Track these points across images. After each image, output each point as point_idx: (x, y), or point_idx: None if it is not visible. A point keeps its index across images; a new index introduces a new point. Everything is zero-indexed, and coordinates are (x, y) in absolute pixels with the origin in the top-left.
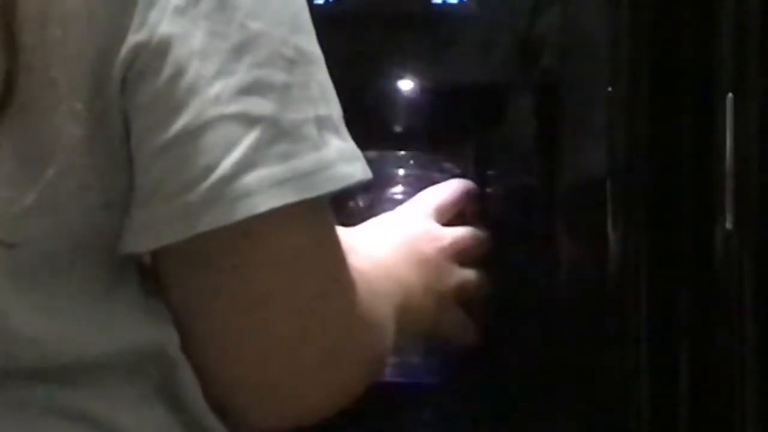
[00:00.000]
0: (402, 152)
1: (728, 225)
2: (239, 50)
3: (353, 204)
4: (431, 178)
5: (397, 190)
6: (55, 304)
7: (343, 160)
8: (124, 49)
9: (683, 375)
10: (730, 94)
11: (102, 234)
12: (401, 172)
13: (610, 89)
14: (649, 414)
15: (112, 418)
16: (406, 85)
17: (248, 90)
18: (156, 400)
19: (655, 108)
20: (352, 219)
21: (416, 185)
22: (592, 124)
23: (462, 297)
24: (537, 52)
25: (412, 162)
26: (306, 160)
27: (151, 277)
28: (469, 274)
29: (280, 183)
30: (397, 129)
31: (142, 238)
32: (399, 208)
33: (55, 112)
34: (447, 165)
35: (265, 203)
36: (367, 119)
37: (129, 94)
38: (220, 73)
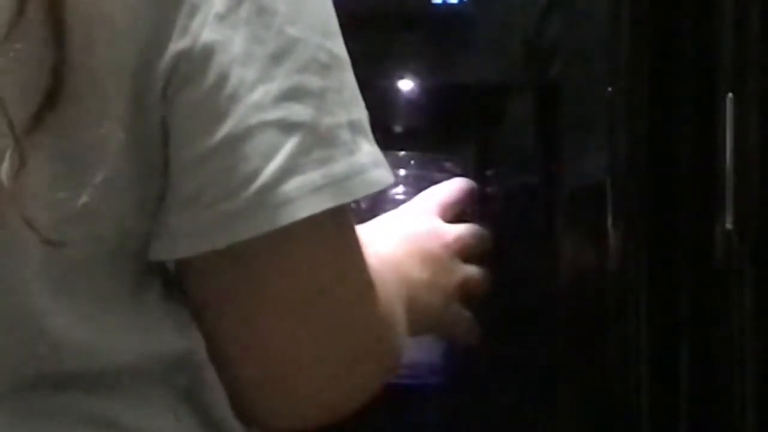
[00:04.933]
0: (403, 152)
1: (728, 225)
2: (278, 56)
3: (355, 205)
4: (432, 178)
5: (399, 190)
6: (88, 309)
7: (374, 164)
8: (167, 56)
9: (683, 374)
10: (730, 94)
11: (131, 240)
12: (402, 172)
13: (610, 89)
14: (650, 413)
15: (139, 426)
16: (406, 85)
17: (288, 96)
18: (182, 408)
19: (655, 108)
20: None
21: (417, 185)
22: (592, 124)
23: (465, 293)
24: (537, 52)
25: (413, 162)
26: (341, 165)
27: (174, 282)
28: (472, 270)
29: (318, 189)
30: (398, 129)
31: (181, 245)
32: (401, 207)
33: (103, 116)
34: (448, 165)
35: (304, 210)
36: (368, 119)
37: (170, 101)
38: (261, 79)
